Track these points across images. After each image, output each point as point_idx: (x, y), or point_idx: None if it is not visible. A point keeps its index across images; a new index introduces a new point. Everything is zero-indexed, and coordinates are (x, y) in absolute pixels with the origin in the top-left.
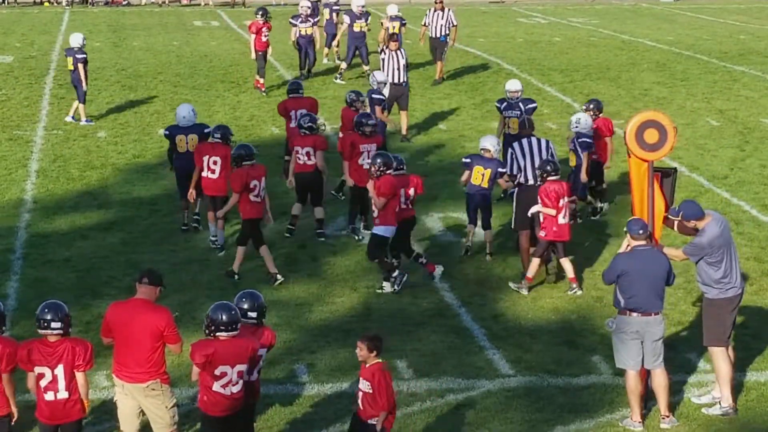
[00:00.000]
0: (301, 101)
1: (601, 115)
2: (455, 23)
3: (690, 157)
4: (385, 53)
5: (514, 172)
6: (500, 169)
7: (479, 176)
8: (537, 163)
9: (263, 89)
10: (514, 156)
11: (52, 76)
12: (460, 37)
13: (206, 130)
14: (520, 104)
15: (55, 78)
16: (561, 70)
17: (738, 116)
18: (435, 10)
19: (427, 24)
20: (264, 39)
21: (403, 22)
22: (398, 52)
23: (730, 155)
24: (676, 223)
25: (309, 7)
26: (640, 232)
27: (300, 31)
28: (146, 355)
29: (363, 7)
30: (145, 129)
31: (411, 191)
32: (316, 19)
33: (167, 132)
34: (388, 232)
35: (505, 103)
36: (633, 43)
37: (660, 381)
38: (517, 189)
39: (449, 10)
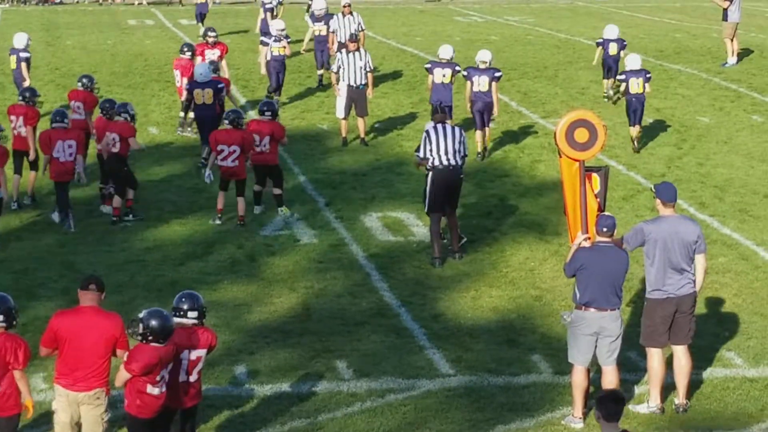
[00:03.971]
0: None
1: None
2: (364, 28)
3: (627, 156)
4: (341, 53)
5: (427, 156)
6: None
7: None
8: (450, 147)
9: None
10: (427, 139)
11: None
12: (397, 35)
13: (219, 86)
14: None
15: None
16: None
17: (675, 114)
18: (344, 15)
19: (335, 30)
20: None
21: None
22: (357, 53)
23: (667, 153)
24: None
25: (282, 30)
26: (604, 229)
27: (272, 51)
28: (98, 362)
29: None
30: None
31: None
32: (289, 40)
33: (188, 86)
34: None
35: (471, 70)
36: (570, 42)
37: (610, 379)
38: (430, 172)
39: (357, 15)
